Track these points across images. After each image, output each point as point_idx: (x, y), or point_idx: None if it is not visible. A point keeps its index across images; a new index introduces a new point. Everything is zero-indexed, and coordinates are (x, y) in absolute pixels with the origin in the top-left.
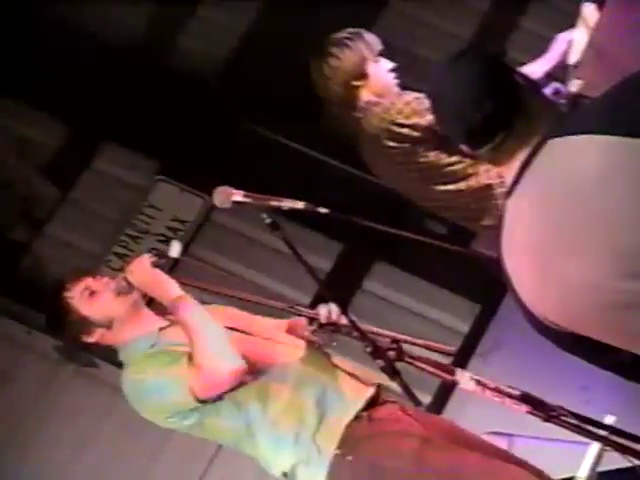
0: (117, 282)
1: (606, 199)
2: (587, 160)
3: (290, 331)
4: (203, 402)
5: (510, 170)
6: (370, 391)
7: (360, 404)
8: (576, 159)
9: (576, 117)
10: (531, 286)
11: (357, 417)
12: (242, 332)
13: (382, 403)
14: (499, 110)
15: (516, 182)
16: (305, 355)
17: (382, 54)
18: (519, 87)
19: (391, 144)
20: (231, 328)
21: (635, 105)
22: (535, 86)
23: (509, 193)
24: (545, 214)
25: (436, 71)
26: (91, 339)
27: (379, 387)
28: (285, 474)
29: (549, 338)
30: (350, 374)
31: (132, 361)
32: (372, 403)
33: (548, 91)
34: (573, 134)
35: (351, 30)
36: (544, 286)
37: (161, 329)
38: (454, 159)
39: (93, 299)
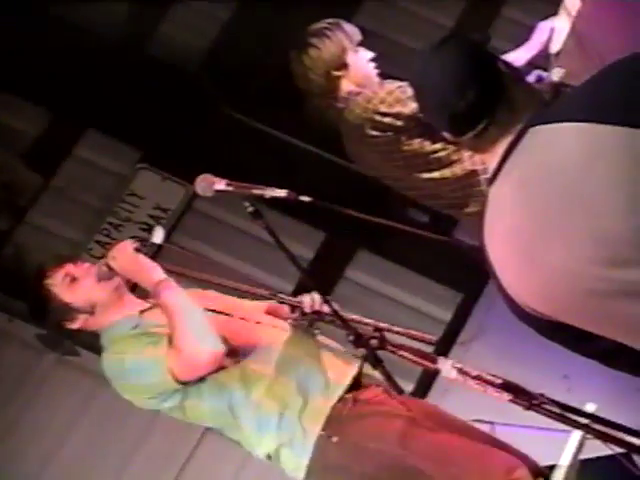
0: (98, 268)
1: (588, 186)
2: (569, 147)
3: (271, 313)
4: (183, 384)
5: (493, 158)
6: (353, 372)
7: (343, 386)
8: (558, 146)
9: (558, 105)
10: (513, 273)
11: (342, 399)
12: (223, 314)
13: (367, 386)
14: (482, 97)
15: (498, 169)
16: (287, 337)
17: (361, 44)
18: (502, 74)
19: (374, 133)
20: (212, 310)
21: (616, 93)
22: (518, 73)
23: (491, 181)
24: (527, 201)
25: (419, 58)
26: (74, 325)
27: (361, 370)
28: (269, 456)
29: (531, 326)
30: (333, 355)
31: (113, 341)
32: (356, 385)
33: (531, 79)
34: (555, 122)
35: (330, 20)
36: (526, 273)
37: (142, 311)
38: (438, 146)
39: (74, 285)
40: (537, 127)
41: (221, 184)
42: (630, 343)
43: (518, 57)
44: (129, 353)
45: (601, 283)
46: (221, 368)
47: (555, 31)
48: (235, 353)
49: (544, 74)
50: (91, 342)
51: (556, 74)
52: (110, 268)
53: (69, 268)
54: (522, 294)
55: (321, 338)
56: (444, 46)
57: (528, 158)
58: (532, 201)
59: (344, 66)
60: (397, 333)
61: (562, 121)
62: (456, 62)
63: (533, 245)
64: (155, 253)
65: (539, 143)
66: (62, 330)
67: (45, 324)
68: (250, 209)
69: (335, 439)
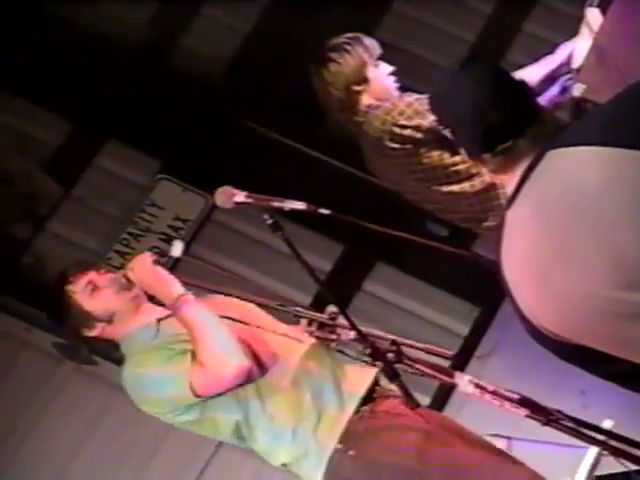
0: (117, 278)
1: (605, 211)
2: (586, 172)
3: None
4: (202, 398)
5: (511, 180)
6: (368, 382)
7: (358, 397)
8: (575, 170)
9: (576, 128)
10: (530, 296)
11: (358, 411)
12: (242, 323)
13: (385, 397)
14: (517, 112)
15: (516, 192)
16: (303, 349)
17: (381, 57)
18: (530, 96)
19: (394, 146)
20: (231, 319)
21: (635, 117)
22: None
23: (509, 203)
24: (544, 225)
25: (446, 73)
26: (92, 333)
27: (378, 381)
28: (284, 465)
29: (548, 347)
30: (349, 366)
31: (133, 352)
32: (374, 397)
33: (555, 89)
34: (573, 145)
35: (350, 35)
36: (543, 296)
37: (160, 320)
38: (457, 159)
39: (96, 294)
40: (555, 150)
41: (241, 196)
42: None
43: (536, 71)
44: (150, 366)
45: (618, 306)
46: (248, 382)
47: (577, 47)
48: (258, 363)
49: (569, 83)
50: (108, 351)
51: (577, 90)
52: (128, 279)
53: (92, 276)
54: (539, 316)
55: (336, 349)
56: (474, 62)
57: (546, 182)
58: (549, 225)
59: (364, 81)
60: (414, 348)
61: (579, 145)
62: (489, 77)
63: (550, 268)
64: (173, 265)
65: (556, 167)
66: (79, 337)
67: (62, 329)
68: (269, 221)
69: (351, 453)
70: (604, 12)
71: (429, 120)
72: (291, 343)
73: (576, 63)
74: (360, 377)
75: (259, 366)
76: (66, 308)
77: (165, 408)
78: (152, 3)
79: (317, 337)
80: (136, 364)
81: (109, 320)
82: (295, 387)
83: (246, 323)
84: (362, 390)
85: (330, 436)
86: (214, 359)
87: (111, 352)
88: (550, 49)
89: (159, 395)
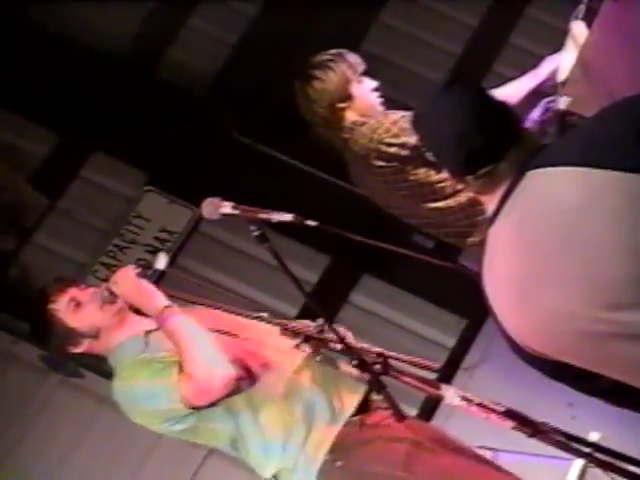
0: (100, 292)
1: (584, 231)
2: (566, 191)
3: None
4: (196, 408)
5: (492, 199)
6: (358, 398)
7: (348, 414)
8: (555, 190)
9: (557, 148)
10: (512, 314)
11: (348, 423)
12: (228, 334)
13: (374, 409)
14: (500, 136)
15: (497, 211)
16: (298, 361)
17: (367, 69)
18: (515, 117)
19: (380, 163)
20: (219, 331)
21: (613, 137)
22: (518, 119)
23: (491, 222)
24: (525, 244)
25: (429, 95)
26: (78, 349)
27: (369, 393)
28: (275, 477)
29: (531, 364)
30: (339, 381)
31: (123, 366)
32: (364, 409)
33: (538, 110)
34: (552, 165)
35: (333, 51)
36: (524, 315)
37: (148, 332)
38: (443, 176)
39: (79, 310)
40: (535, 170)
41: (227, 208)
42: (629, 382)
43: (522, 86)
44: (140, 379)
45: (598, 325)
46: (237, 392)
47: (562, 60)
48: (249, 374)
49: (551, 105)
50: (95, 364)
51: (563, 103)
52: (112, 292)
53: (74, 292)
54: (522, 334)
55: (326, 362)
56: (455, 86)
57: (526, 201)
58: (530, 244)
59: (348, 97)
60: (400, 360)
61: (559, 165)
62: (471, 100)
63: (531, 287)
64: (158, 278)
65: (536, 187)
66: (65, 354)
67: (48, 347)
68: (256, 233)
69: (339, 463)
70: (589, 25)
71: (415, 137)
72: (284, 355)
73: (562, 76)
74: (351, 391)
75: (249, 376)
76: (50, 327)
77: (160, 419)
78: (138, 15)
79: (305, 350)
80: (127, 377)
81: (95, 335)
82: (287, 399)
83: (234, 335)
84: (353, 404)
85: (318, 450)
86: (200, 370)
87: (98, 365)
88: (536, 61)
89: (153, 407)
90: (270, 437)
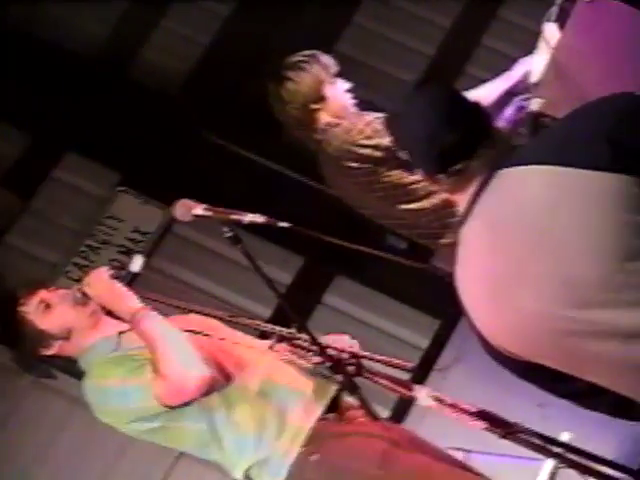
0: (73, 293)
1: (554, 229)
2: (535, 190)
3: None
4: (169, 407)
5: (465, 199)
6: (331, 393)
7: (321, 407)
8: (525, 189)
9: (528, 147)
10: (485, 314)
11: (323, 419)
12: (202, 334)
13: (347, 408)
14: (469, 134)
15: (468, 211)
16: (270, 360)
17: (341, 71)
18: (486, 115)
19: (353, 165)
20: (192, 331)
21: (583, 136)
22: (491, 118)
23: (462, 222)
24: (496, 243)
25: (400, 98)
26: (49, 352)
27: (339, 394)
28: (247, 476)
29: (504, 365)
30: (311, 378)
31: (94, 365)
32: (337, 407)
33: (512, 109)
34: (523, 164)
35: (307, 52)
36: (496, 314)
37: (121, 333)
38: (416, 177)
39: (50, 312)
40: (505, 169)
41: (199, 209)
42: (602, 383)
43: (495, 88)
44: (111, 377)
45: (569, 324)
46: (212, 391)
47: (535, 62)
48: (224, 374)
49: (525, 103)
50: (67, 365)
51: (535, 104)
52: (84, 294)
53: (43, 294)
54: (494, 335)
55: (298, 362)
56: (428, 86)
57: (497, 200)
58: (501, 244)
59: (321, 99)
60: (374, 360)
61: (529, 164)
62: (443, 99)
63: (503, 287)
64: (131, 280)
65: (507, 186)
66: (36, 356)
67: (19, 350)
68: (228, 234)
69: (314, 457)
70: (562, 27)
71: (388, 139)
72: (256, 354)
73: (534, 78)
74: (324, 387)
75: (223, 376)
76: (20, 329)
77: (129, 418)
78: (112, 16)
79: (278, 350)
80: (98, 376)
81: (66, 337)
82: (260, 396)
83: (208, 335)
84: (326, 398)
85: (293, 443)
86: (175, 371)
87: (70, 366)
88: (509, 63)
89: (124, 406)
90: (244, 432)
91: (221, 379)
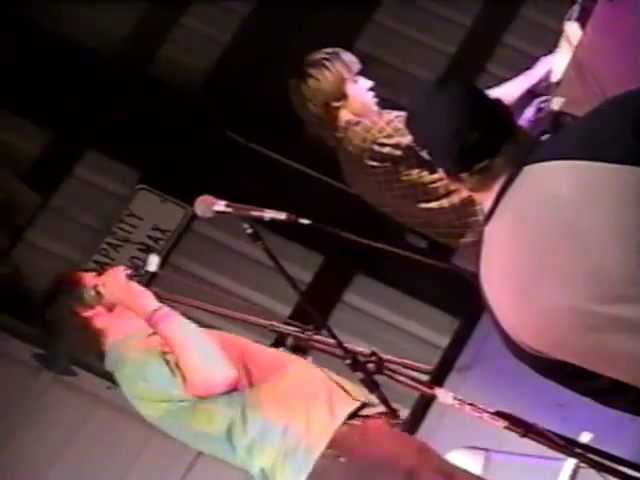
0: (86, 291)
1: (581, 224)
2: (562, 186)
3: None
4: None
5: (488, 197)
6: (357, 401)
7: (348, 410)
8: (552, 184)
9: (552, 143)
10: (509, 311)
11: (349, 424)
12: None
13: (371, 416)
14: (493, 131)
15: (494, 207)
16: (295, 360)
17: (361, 69)
18: (506, 115)
19: (373, 163)
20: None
21: (608, 130)
22: (512, 115)
23: (487, 219)
24: (522, 239)
25: (422, 93)
26: (88, 313)
27: (365, 402)
28: (263, 471)
29: (527, 363)
30: (340, 382)
31: (133, 349)
32: (362, 415)
33: (531, 110)
34: (548, 160)
35: (329, 50)
36: (522, 311)
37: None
38: (436, 177)
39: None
40: (531, 165)
41: (220, 206)
42: (626, 380)
43: (516, 86)
44: (152, 363)
45: (596, 319)
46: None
47: (556, 61)
48: (249, 375)
49: (544, 105)
50: (87, 362)
51: (556, 103)
52: (99, 293)
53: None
54: (518, 331)
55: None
56: (450, 83)
57: (523, 196)
58: (527, 239)
59: (343, 97)
60: (392, 362)
61: (555, 159)
62: (464, 97)
63: (529, 282)
64: (150, 279)
65: (533, 181)
66: (74, 318)
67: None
68: (249, 231)
69: (343, 459)
70: (583, 26)
71: (408, 138)
72: (284, 354)
73: (555, 77)
74: (351, 392)
75: (248, 375)
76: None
77: (161, 398)
78: (133, 14)
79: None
80: (136, 357)
81: (110, 307)
82: (289, 394)
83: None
84: (353, 404)
85: (320, 439)
86: (199, 374)
87: (90, 363)
88: (530, 61)
89: (158, 388)
90: (273, 419)
91: (246, 378)
